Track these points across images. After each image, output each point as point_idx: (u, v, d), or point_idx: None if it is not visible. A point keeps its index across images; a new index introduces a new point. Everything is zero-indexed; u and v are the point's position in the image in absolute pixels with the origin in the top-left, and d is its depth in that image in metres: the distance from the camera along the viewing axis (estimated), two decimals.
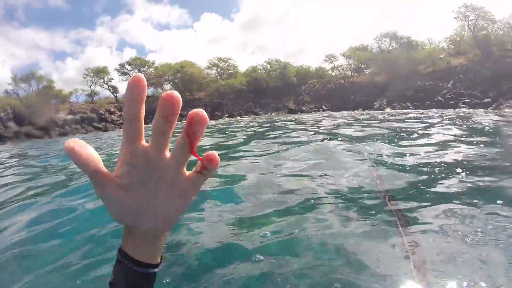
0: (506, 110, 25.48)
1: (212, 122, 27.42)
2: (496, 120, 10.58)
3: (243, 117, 37.86)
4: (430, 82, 34.02)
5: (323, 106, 40.33)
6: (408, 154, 4.52)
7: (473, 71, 35.28)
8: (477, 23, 41.59)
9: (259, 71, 50.32)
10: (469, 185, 2.91)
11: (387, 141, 5.68)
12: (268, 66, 50.28)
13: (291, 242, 1.98)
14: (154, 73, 49.13)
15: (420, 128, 8.24)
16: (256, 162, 4.65)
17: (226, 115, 40.37)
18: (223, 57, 52.36)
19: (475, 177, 3.10)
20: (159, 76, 48.44)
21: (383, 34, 45.74)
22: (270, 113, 40.52)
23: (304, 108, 41.01)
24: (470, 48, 40.92)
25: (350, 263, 1.65)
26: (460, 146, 4.99)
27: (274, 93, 46.72)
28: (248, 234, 2.16)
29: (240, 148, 6.52)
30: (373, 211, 2.38)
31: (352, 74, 47.13)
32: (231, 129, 13.77)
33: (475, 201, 2.45)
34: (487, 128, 8.08)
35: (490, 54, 37.37)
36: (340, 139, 6.40)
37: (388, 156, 4.44)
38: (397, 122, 10.65)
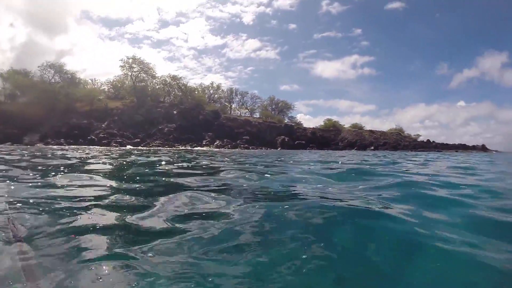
0: (152, 146, 43.36)
1: None
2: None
3: None
4: (85, 121, 48.26)
5: None
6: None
7: (127, 115, 53.39)
8: (139, 75, 62.27)
9: None
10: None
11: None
12: None
13: None
14: None
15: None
16: None
17: None
18: None
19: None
20: None
21: (50, 65, 56.93)
22: None
23: None
24: (128, 95, 60.29)
25: None
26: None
27: None
28: None
29: None
30: None
31: (6, 100, 53.81)
32: None
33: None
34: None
35: (144, 103, 57.69)
36: None
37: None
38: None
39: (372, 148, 67.17)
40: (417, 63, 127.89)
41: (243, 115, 73.02)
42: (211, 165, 11.19)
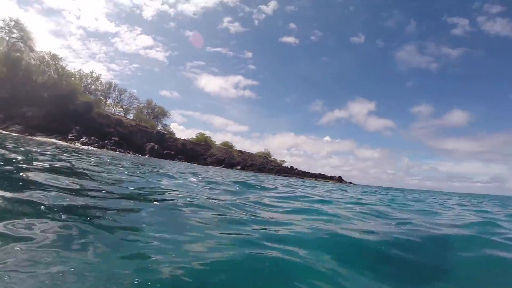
0: (11, 131, 41.83)
1: None
2: None
3: None
4: None
5: None
6: None
7: None
8: (17, 43, 57.60)
9: None
10: None
11: None
12: None
13: None
14: None
15: None
16: None
17: None
18: None
19: None
20: None
21: None
22: None
23: None
24: None
25: None
26: None
27: None
28: None
29: None
30: None
31: None
32: None
33: None
34: None
35: (14, 78, 54.61)
36: None
37: None
38: None
39: (239, 167, 74.08)
40: (295, 96, 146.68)
41: (117, 113, 73.68)
42: None
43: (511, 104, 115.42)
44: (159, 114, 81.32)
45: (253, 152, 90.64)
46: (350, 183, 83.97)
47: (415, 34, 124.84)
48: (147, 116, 78.34)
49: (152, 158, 54.92)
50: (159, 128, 76.52)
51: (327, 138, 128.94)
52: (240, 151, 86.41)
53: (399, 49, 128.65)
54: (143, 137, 64.02)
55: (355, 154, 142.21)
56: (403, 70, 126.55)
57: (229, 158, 77.93)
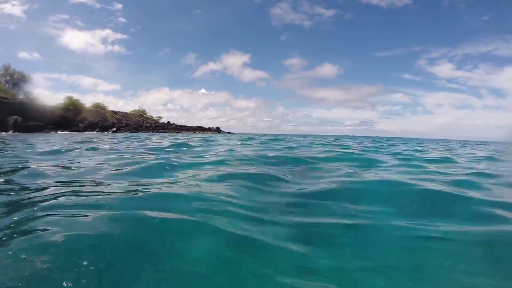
0: None
1: None
2: None
3: None
4: None
5: None
6: None
7: None
8: None
9: None
10: None
11: None
12: None
13: None
14: None
15: None
16: None
17: None
18: None
19: None
20: None
21: None
22: None
23: None
24: None
25: None
26: None
27: None
28: None
29: None
30: None
31: None
32: None
33: None
34: None
35: None
36: None
37: None
38: None
39: (114, 129, 72.65)
40: (168, 50, 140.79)
41: None
42: None
43: (375, 61, 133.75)
44: (20, 80, 71.28)
45: (127, 111, 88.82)
46: (229, 132, 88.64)
47: None
48: (6, 85, 69.18)
49: (17, 133, 50.36)
50: (21, 97, 68.16)
51: (203, 90, 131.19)
52: (113, 111, 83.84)
53: (274, 6, 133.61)
54: (4, 110, 57.01)
55: (231, 105, 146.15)
56: (277, 25, 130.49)
57: (103, 121, 75.40)
